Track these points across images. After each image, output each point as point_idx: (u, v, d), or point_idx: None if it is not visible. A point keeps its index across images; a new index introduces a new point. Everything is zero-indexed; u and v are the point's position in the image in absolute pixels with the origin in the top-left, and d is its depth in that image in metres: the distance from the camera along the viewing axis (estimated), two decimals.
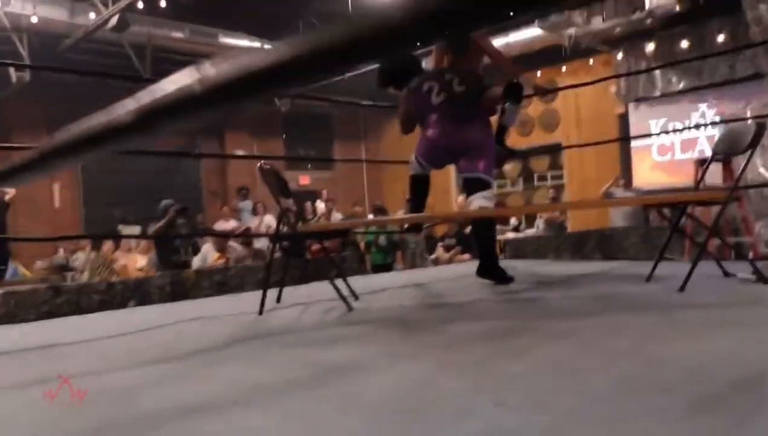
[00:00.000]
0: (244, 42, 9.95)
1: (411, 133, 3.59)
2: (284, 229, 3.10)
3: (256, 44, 10.07)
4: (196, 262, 6.42)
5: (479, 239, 3.62)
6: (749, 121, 3.09)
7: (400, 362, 1.83)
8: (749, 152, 2.95)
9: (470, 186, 3.36)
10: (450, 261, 7.64)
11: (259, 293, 2.95)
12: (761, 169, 5.59)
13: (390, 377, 1.64)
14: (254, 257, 7.16)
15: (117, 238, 8.62)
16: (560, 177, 11.03)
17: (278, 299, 3.23)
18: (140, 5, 7.31)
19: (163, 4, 7.27)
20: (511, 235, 8.37)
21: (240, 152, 11.66)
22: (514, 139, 5.91)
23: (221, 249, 6.70)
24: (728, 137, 3.26)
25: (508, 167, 11.64)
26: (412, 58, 3.57)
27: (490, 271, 3.43)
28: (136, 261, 8.06)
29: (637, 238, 4.71)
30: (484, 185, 3.31)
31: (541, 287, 3.39)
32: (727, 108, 8.04)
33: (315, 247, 7.02)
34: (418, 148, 3.44)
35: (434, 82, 3.37)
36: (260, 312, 2.86)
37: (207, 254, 6.56)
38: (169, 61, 9.36)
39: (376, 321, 2.61)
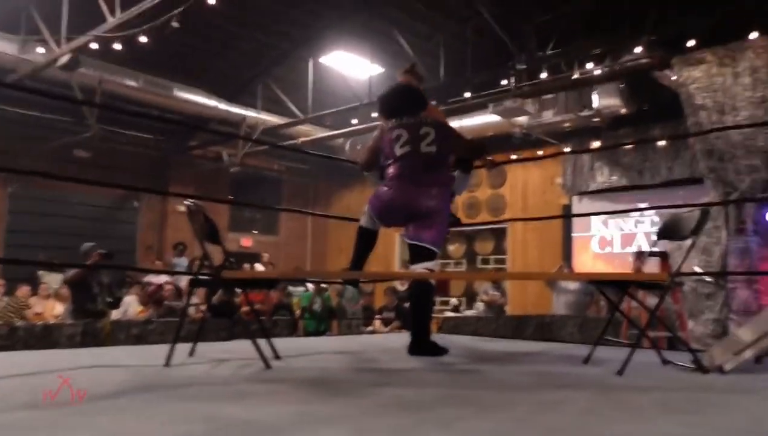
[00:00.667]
0: (200, 98, 9.77)
1: (362, 192, 3.44)
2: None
3: (213, 102, 9.95)
4: (116, 313, 5.97)
5: (415, 310, 3.35)
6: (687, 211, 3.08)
7: (311, 423, 1.59)
8: (692, 239, 2.93)
9: (415, 254, 3.18)
10: None
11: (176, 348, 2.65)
12: (696, 268, 5.73)
13: None
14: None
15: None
16: (503, 261, 11.08)
17: (191, 353, 2.92)
18: (94, 46, 7.09)
19: (118, 47, 7.08)
20: (449, 314, 8.22)
21: (183, 208, 11.28)
22: (461, 219, 5.84)
23: (145, 303, 6.28)
24: (672, 222, 3.24)
25: (453, 248, 11.65)
26: (421, 96, 3.35)
27: (422, 346, 3.16)
28: (53, 308, 7.48)
29: (574, 327, 4.65)
30: (429, 255, 3.13)
31: (477, 361, 3.20)
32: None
33: (245, 308, 6.72)
34: (372, 201, 3.26)
35: (404, 131, 3.17)
36: (166, 364, 2.56)
37: (129, 306, 6.13)
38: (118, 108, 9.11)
39: (294, 381, 2.34)
